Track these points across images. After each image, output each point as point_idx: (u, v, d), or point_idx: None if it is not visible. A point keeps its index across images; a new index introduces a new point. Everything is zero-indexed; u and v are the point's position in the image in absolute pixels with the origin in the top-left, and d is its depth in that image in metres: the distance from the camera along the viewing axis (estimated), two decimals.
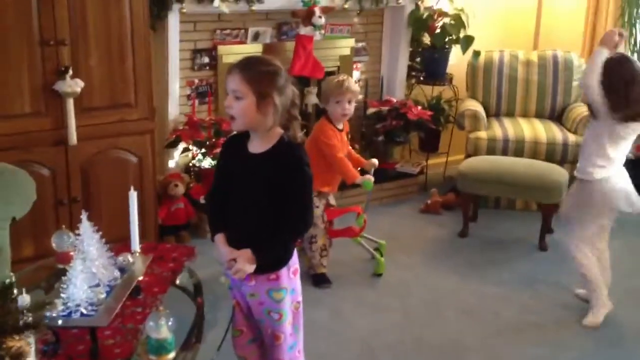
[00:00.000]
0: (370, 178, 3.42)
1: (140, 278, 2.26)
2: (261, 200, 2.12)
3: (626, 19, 4.63)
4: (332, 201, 3.62)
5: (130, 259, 2.24)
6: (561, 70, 4.67)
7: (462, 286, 3.50)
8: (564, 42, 4.93)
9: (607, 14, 4.77)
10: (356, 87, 3.47)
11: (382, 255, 3.63)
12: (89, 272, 2.00)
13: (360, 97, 4.34)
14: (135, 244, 2.32)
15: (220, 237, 2.18)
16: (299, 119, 2.17)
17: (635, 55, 4.70)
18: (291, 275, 2.23)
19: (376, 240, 3.73)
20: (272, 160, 2.11)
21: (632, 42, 4.66)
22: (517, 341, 3.04)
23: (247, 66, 2.07)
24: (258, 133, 2.12)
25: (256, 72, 2.06)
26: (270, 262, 2.16)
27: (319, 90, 4.54)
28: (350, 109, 3.42)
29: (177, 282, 2.54)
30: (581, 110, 4.46)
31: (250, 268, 2.09)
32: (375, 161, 3.59)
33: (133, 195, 2.27)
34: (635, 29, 4.62)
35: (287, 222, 2.11)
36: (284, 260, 2.20)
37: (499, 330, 3.09)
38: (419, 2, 4.69)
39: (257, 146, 2.14)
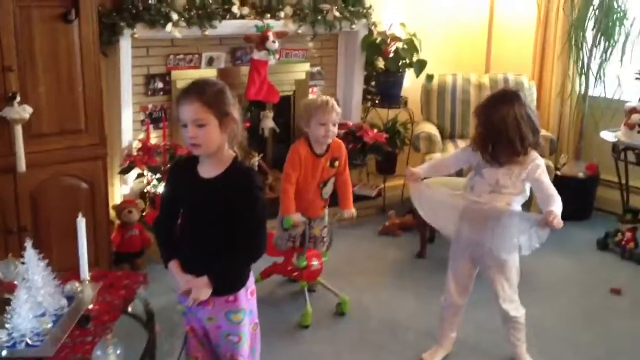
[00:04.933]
0: (292, 216, 3.21)
1: (90, 306, 2.20)
2: (214, 224, 2.10)
3: (573, 42, 4.75)
4: (318, 226, 3.46)
5: (78, 287, 2.18)
6: None
7: (421, 307, 3.50)
8: (515, 65, 5.04)
9: (555, 38, 4.88)
10: (334, 108, 3.25)
11: (342, 311, 3.44)
12: (34, 301, 1.95)
13: None
14: (84, 272, 2.27)
15: (173, 265, 2.16)
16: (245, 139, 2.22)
17: (583, 77, 4.82)
18: (249, 296, 2.22)
19: (337, 294, 3.48)
20: (225, 184, 2.09)
21: (580, 65, 4.78)
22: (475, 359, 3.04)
23: (200, 92, 2.06)
24: (212, 157, 2.10)
25: (211, 94, 2.05)
26: (227, 286, 2.15)
27: (278, 114, 4.58)
28: (334, 131, 3.26)
29: (130, 310, 2.49)
30: None
31: (207, 294, 2.08)
32: (349, 213, 3.41)
33: (81, 222, 2.22)
34: (582, 52, 4.74)
35: (240, 246, 2.10)
36: (241, 282, 2.19)
37: (457, 351, 3.09)
38: (372, 27, 4.75)
39: (208, 170, 2.12)
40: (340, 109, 3.32)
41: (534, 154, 2.74)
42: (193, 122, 2.02)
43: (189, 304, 2.09)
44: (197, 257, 2.13)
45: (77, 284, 2.19)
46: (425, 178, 2.97)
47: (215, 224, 2.10)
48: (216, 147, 2.08)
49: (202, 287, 2.07)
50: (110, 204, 3.70)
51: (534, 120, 2.69)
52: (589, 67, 4.77)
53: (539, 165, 2.72)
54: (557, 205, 2.63)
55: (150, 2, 3.76)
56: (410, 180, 2.96)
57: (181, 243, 2.18)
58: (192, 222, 2.16)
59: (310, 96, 4.70)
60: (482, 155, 2.73)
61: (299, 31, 4.39)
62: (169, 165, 3.82)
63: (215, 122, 2.03)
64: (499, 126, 2.65)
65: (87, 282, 2.26)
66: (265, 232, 2.19)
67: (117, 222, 3.72)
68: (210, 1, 3.99)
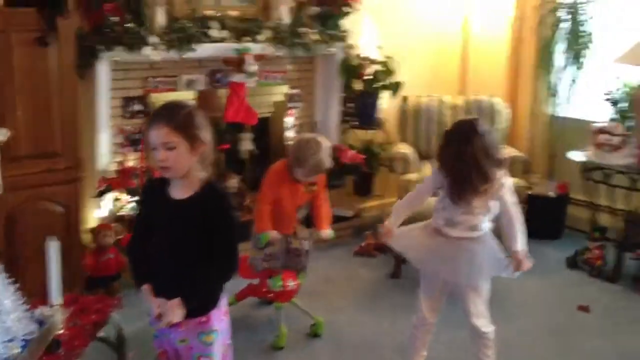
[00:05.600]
0: (269, 233, 3.24)
1: (60, 331, 2.22)
2: (188, 246, 2.12)
3: (544, 66, 4.87)
4: (296, 239, 3.44)
5: (49, 312, 2.20)
6: (486, 115, 4.83)
7: (395, 326, 3.54)
8: (489, 86, 5.14)
9: (527, 61, 5.00)
10: (324, 161, 3.24)
11: (317, 333, 3.47)
12: (3, 326, 1.97)
13: None
14: (55, 296, 2.28)
15: (146, 288, 2.17)
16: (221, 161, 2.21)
17: (551, 99, 4.93)
18: (222, 317, 2.24)
19: (311, 315, 3.51)
20: (197, 205, 2.11)
21: (550, 87, 4.90)
22: None
23: (170, 115, 2.07)
24: (182, 179, 2.12)
25: (180, 118, 2.06)
26: (199, 307, 2.16)
27: (257, 135, 4.61)
28: (310, 179, 3.31)
29: (102, 334, 2.50)
30: (506, 152, 4.62)
31: (180, 316, 2.08)
32: (325, 233, 3.43)
33: (52, 246, 2.24)
34: (552, 74, 4.87)
35: (213, 267, 2.12)
36: (213, 303, 2.21)
37: None
38: (349, 50, 4.83)
39: (180, 192, 2.14)
40: (325, 164, 3.27)
41: (499, 174, 2.72)
42: (163, 145, 2.04)
43: (162, 327, 2.10)
44: (168, 279, 2.13)
45: (47, 309, 2.21)
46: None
47: (186, 245, 2.11)
48: (186, 169, 2.09)
49: (175, 309, 2.06)
50: (87, 227, 3.72)
51: (493, 151, 2.65)
52: (557, 89, 4.89)
53: (503, 184, 2.73)
54: (521, 240, 2.70)
55: (128, 25, 3.81)
56: (387, 238, 2.90)
57: (153, 265, 2.19)
58: (163, 243, 2.15)
59: (290, 122, 4.76)
60: (449, 196, 2.72)
61: (278, 54, 4.46)
62: None
63: (185, 145, 2.05)
64: (456, 168, 2.64)
65: (58, 306, 2.28)
66: (237, 252, 2.20)
67: (93, 245, 3.72)
68: (189, 25, 4.05)
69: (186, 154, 2.06)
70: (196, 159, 2.09)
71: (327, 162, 3.29)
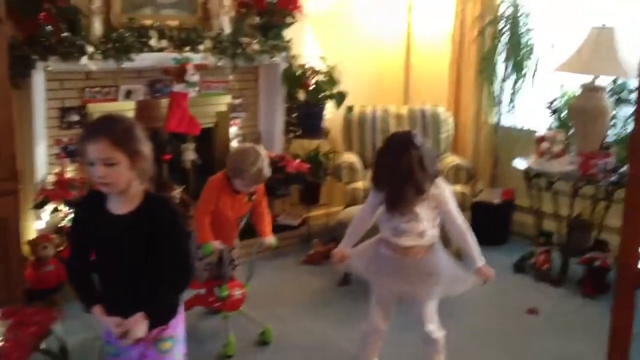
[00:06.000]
0: (212, 243, 3.20)
1: None
2: (136, 262, 2.06)
3: (486, 75, 4.98)
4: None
5: None
6: (429, 123, 4.90)
7: (344, 333, 3.52)
8: (432, 95, 5.21)
9: (469, 71, 5.08)
10: (264, 172, 3.23)
11: (266, 341, 3.43)
12: None
13: None
14: None
15: (98, 309, 2.09)
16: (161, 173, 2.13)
17: (494, 108, 5.04)
18: (179, 323, 2.19)
19: (260, 323, 3.48)
20: (141, 219, 2.05)
21: (492, 96, 5.01)
22: None
23: (109, 130, 1.99)
24: (122, 194, 2.05)
25: (120, 132, 1.99)
26: (161, 318, 2.11)
27: (200, 146, 4.54)
28: (248, 189, 3.28)
29: (44, 346, 2.40)
30: (450, 159, 4.70)
31: (144, 331, 2.03)
32: (269, 240, 3.42)
33: None
34: (494, 84, 4.98)
35: (169, 276, 2.07)
36: (173, 312, 2.16)
37: None
38: (292, 60, 4.82)
39: (120, 206, 2.07)
40: (263, 174, 3.25)
41: (437, 181, 2.76)
42: (102, 161, 1.96)
43: (127, 344, 2.03)
44: (120, 297, 2.08)
45: None
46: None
47: (135, 260, 2.05)
48: (126, 185, 2.03)
49: (139, 324, 2.01)
50: (25, 239, 3.58)
51: (428, 162, 2.66)
52: (500, 98, 5.00)
53: (443, 190, 2.75)
54: (478, 253, 2.77)
55: (64, 34, 3.71)
56: (340, 262, 2.91)
57: (101, 284, 2.12)
58: (108, 261, 2.09)
59: (234, 132, 4.72)
60: (385, 207, 2.73)
61: (219, 64, 4.42)
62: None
63: (125, 161, 1.98)
64: (391, 180, 2.66)
65: None
66: (192, 260, 2.19)
67: (32, 257, 3.59)
68: (127, 34, 3.97)
69: (126, 169, 1.99)
70: (135, 173, 2.03)
71: (267, 171, 3.27)
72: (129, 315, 2.02)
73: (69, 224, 3.69)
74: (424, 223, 2.76)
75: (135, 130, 2.04)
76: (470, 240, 2.79)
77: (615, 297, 1.99)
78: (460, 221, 2.78)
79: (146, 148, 2.04)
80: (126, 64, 3.95)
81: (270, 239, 3.42)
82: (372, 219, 2.89)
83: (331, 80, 4.85)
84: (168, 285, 2.09)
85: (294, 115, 5.02)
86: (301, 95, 4.93)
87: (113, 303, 2.08)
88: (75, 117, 4.00)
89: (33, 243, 3.61)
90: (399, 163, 2.62)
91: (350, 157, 4.73)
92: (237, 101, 4.81)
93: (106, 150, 1.95)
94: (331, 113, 5.00)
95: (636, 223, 1.88)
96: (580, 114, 4.24)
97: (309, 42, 4.99)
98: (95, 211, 2.08)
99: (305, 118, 4.97)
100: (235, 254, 3.52)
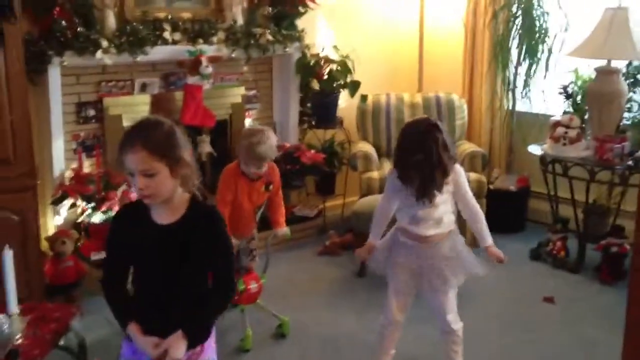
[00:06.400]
0: None
1: (19, 340, 2.14)
2: (183, 275, 1.94)
3: (499, 60, 4.93)
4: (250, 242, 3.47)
5: (5, 321, 2.12)
6: (444, 111, 4.89)
7: (361, 324, 3.53)
8: (446, 83, 5.19)
9: (482, 56, 5.05)
10: (267, 153, 3.23)
11: (283, 333, 3.44)
12: None
13: None
14: (12, 305, 2.20)
15: (134, 328, 1.95)
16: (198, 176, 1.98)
17: (510, 94, 5.00)
18: (212, 345, 2.09)
19: (277, 316, 3.47)
20: (186, 229, 1.93)
21: (507, 82, 4.97)
22: None
23: (146, 138, 1.85)
24: (166, 203, 1.93)
25: (159, 140, 1.86)
26: (199, 337, 2.01)
27: (215, 138, 4.56)
28: (260, 171, 3.28)
29: (63, 342, 2.43)
30: (466, 147, 4.68)
31: (183, 351, 1.91)
32: (282, 231, 3.45)
33: (7, 255, 2.17)
34: (508, 70, 4.93)
35: (214, 293, 1.98)
36: (209, 332, 2.07)
37: None
38: (306, 50, 4.81)
39: (165, 215, 1.95)
40: (270, 149, 3.25)
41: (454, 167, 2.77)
42: (141, 172, 1.84)
43: None
44: (160, 313, 1.95)
45: (3, 318, 2.13)
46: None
47: (181, 274, 1.94)
48: (169, 194, 1.91)
49: (180, 344, 1.89)
50: (43, 235, 3.62)
51: (449, 145, 2.67)
52: (515, 84, 4.95)
53: (457, 171, 2.75)
54: (488, 233, 2.80)
55: (79, 29, 3.73)
56: (368, 255, 2.92)
57: (139, 300, 2.00)
58: (149, 274, 1.97)
59: (249, 123, 4.72)
60: (414, 196, 2.69)
61: (233, 55, 4.41)
62: (103, 193, 3.76)
63: (166, 171, 1.86)
64: (423, 169, 2.62)
65: (16, 315, 2.20)
66: (234, 278, 2.07)
67: (51, 253, 3.63)
68: (141, 27, 3.98)
69: (167, 179, 1.87)
70: (178, 181, 1.91)
71: (273, 151, 3.28)
72: (166, 334, 1.90)
73: (87, 219, 3.75)
74: (441, 208, 2.77)
75: (174, 135, 1.90)
76: (484, 220, 2.82)
77: (630, 284, 1.96)
78: (474, 202, 2.82)
79: (187, 153, 1.91)
80: (141, 58, 3.96)
81: (284, 230, 3.45)
82: (394, 207, 2.86)
83: (345, 69, 4.83)
84: (212, 303, 1.98)
85: (308, 105, 5.02)
86: (315, 85, 4.92)
87: (152, 321, 1.95)
88: (91, 112, 4.02)
89: (51, 239, 3.64)
90: (428, 150, 2.59)
91: (365, 146, 4.72)
92: (252, 92, 4.82)
93: (144, 160, 1.83)
94: (345, 102, 4.99)
95: None
96: (595, 97, 4.20)
97: (322, 32, 4.97)
98: (137, 222, 1.96)
99: (319, 108, 4.97)
100: (254, 244, 3.53)
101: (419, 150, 2.62)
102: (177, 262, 1.92)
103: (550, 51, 4.75)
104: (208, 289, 1.97)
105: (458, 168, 2.78)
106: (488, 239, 2.82)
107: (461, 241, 2.87)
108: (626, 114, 4.34)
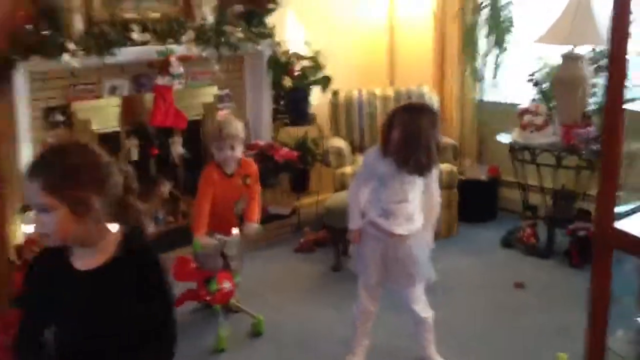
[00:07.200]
0: (202, 240, 3.22)
1: None
2: (109, 332, 1.65)
3: (469, 51, 4.98)
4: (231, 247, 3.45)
5: None
6: None
7: (337, 318, 3.54)
8: (417, 75, 5.20)
9: (452, 49, 5.08)
10: (236, 130, 3.29)
11: (258, 331, 3.43)
12: None
13: None
14: None
15: None
16: (140, 207, 1.69)
17: (477, 84, 5.04)
18: None
19: (252, 314, 3.48)
20: (116, 274, 1.65)
21: (476, 72, 5.01)
22: None
23: (43, 169, 1.58)
24: (85, 246, 1.66)
25: (57, 174, 1.57)
26: None
27: (188, 139, 4.54)
28: (234, 154, 3.30)
29: None
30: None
31: None
32: (252, 228, 3.40)
33: None
34: (477, 61, 4.97)
35: (152, 345, 1.68)
36: None
37: (371, 357, 3.12)
38: (277, 47, 4.81)
39: (88, 260, 1.65)
40: (239, 129, 3.33)
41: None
42: (34, 207, 1.59)
43: None
44: None
45: None
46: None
47: (105, 327, 1.65)
48: (72, 238, 1.62)
49: None
50: (12, 243, 3.58)
51: (437, 131, 2.75)
52: (483, 74, 5.00)
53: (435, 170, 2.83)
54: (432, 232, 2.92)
55: (44, 32, 3.70)
56: (358, 239, 2.94)
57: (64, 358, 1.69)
58: (71, 336, 1.67)
59: (221, 118, 4.71)
60: (401, 164, 2.69)
61: (203, 54, 4.38)
62: None
63: (64, 210, 1.56)
64: (422, 136, 2.65)
65: None
66: (175, 329, 1.75)
67: (19, 262, 3.57)
68: (109, 29, 3.95)
69: (66, 221, 1.57)
70: (82, 227, 1.60)
71: (241, 130, 3.33)
72: None
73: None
74: (414, 203, 2.80)
75: (85, 170, 1.60)
76: (436, 219, 2.91)
77: (594, 259, 1.98)
78: (438, 197, 2.89)
79: (98, 196, 1.60)
80: (109, 60, 3.92)
81: (252, 226, 3.40)
82: (366, 190, 2.88)
83: (316, 66, 4.85)
84: (151, 354, 1.69)
85: (281, 102, 5.02)
86: (287, 82, 4.92)
87: None
88: (59, 117, 3.98)
89: (20, 247, 3.59)
90: (418, 121, 2.65)
91: (338, 142, 4.73)
92: (224, 92, 4.80)
93: (37, 194, 1.56)
94: (318, 99, 5.00)
95: (611, 181, 1.86)
96: (561, 84, 4.25)
97: (293, 28, 4.96)
98: (55, 269, 1.66)
99: (292, 105, 4.98)
100: (233, 245, 3.47)
101: (408, 119, 2.66)
102: (102, 317, 1.63)
103: (517, 40, 4.79)
104: (144, 349, 1.67)
105: (436, 171, 2.86)
106: (431, 235, 2.92)
107: (424, 242, 2.91)
108: (591, 100, 4.39)
